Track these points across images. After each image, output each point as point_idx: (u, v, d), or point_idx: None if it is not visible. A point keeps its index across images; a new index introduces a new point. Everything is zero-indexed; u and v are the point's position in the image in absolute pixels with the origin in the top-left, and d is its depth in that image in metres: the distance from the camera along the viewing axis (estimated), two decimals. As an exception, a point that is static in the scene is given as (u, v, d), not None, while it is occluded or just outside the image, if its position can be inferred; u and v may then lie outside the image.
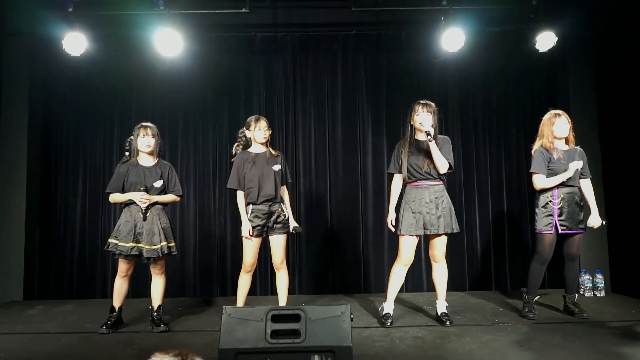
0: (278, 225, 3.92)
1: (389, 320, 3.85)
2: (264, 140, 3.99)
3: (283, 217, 3.95)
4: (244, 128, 4.04)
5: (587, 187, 4.00)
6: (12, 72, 5.34)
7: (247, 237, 3.87)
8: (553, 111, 4.00)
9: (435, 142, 3.79)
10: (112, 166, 5.58)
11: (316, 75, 5.67)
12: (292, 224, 4.02)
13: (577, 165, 3.82)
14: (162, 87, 5.52)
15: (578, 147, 4.00)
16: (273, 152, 4.04)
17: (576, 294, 4.13)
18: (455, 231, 3.88)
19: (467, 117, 5.69)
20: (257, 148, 4.01)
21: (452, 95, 5.67)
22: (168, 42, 4.81)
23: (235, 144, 4.09)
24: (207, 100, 5.64)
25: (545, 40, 4.95)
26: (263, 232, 3.92)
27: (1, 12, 5.31)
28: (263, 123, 3.97)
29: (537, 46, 5.01)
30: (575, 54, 5.46)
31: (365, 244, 5.51)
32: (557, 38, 4.95)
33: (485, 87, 5.69)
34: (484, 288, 5.44)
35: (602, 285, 4.91)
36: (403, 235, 3.85)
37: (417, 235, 3.85)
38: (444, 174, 3.88)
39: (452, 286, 5.28)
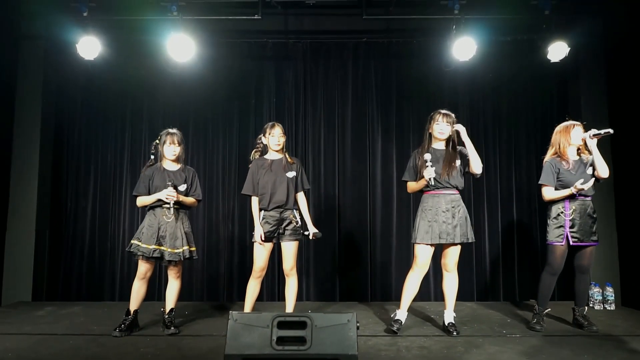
0: (289, 232, 3.92)
1: (397, 326, 3.81)
2: (278, 147, 4.00)
3: (295, 224, 3.95)
4: (261, 135, 4.07)
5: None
6: (27, 75, 5.41)
7: (259, 242, 3.88)
8: (571, 121, 4.01)
9: (453, 152, 3.86)
10: (122, 169, 5.64)
11: (326, 82, 5.69)
12: (312, 230, 4.01)
13: (580, 185, 3.73)
14: (173, 92, 5.56)
15: (591, 156, 3.91)
16: (289, 159, 4.04)
17: (586, 307, 4.08)
18: (470, 241, 3.88)
19: (478, 126, 5.66)
20: (272, 155, 4.03)
21: (463, 104, 5.65)
22: (180, 47, 4.85)
23: (254, 151, 4.13)
24: (217, 105, 5.67)
25: (558, 51, 4.93)
26: (273, 238, 3.93)
27: (17, 16, 5.39)
28: (277, 130, 3.98)
29: (549, 56, 4.99)
30: (587, 65, 5.42)
31: (373, 252, 5.49)
32: (569, 48, 4.93)
33: (496, 97, 5.67)
34: (492, 298, 5.39)
35: (612, 298, 4.85)
36: (419, 243, 3.83)
37: (432, 245, 3.83)
38: (462, 185, 3.90)
39: (460, 296, 5.21)
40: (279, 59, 5.69)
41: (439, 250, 3.99)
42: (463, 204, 3.89)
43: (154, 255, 3.78)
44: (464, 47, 4.90)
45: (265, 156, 4.04)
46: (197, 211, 5.55)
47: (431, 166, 3.74)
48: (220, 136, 5.68)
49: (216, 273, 5.50)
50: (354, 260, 5.50)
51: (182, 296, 5.20)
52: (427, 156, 3.76)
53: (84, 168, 5.66)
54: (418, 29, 5.45)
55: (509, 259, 5.50)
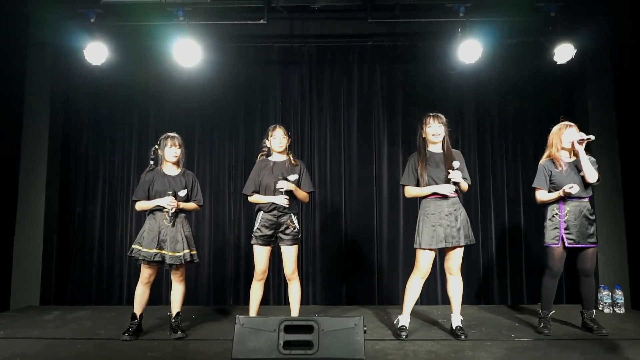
0: (287, 237, 3.92)
1: (405, 333, 3.80)
2: (281, 149, 4.00)
3: (292, 228, 3.94)
4: (265, 138, 4.08)
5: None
6: (35, 82, 5.46)
7: (256, 244, 3.88)
8: (565, 122, 3.97)
9: (450, 154, 3.84)
10: (130, 174, 5.66)
11: (332, 86, 5.70)
12: (283, 185, 3.82)
13: (567, 189, 3.71)
14: (180, 97, 5.60)
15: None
16: (293, 161, 4.04)
17: (594, 310, 4.04)
18: (473, 242, 3.88)
19: (484, 129, 5.65)
20: (276, 157, 4.04)
21: (469, 107, 5.65)
22: (186, 53, 4.88)
23: (259, 155, 4.13)
24: (223, 109, 5.69)
25: (564, 53, 4.91)
26: (270, 242, 3.94)
27: (25, 22, 5.44)
28: (279, 132, 3.99)
29: (555, 58, 4.97)
30: (594, 67, 5.39)
31: (380, 256, 5.48)
32: (575, 50, 4.90)
33: (502, 99, 5.65)
34: (500, 302, 5.36)
35: (622, 301, 4.80)
36: (423, 249, 3.81)
37: (434, 250, 3.82)
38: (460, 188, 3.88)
39: (467, 300, 5.21)
40: (284, 64, 5.71)
41: (440, 253, 3.96)
42: (462, 206, 3.88)
43: (155, 259, 3.79)
44: (469, 50, 4.89)
45: (270, 158, 4.05)
46: (204, 215, 5.57)
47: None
48: (226, 140, 5.70)
49: (223, 277, 5.51)
50: (361, 264, 5.49)
51: (188, 300, 5.23)
52: (456, 164, 3.76)
53: (91, 173, 5.69)
54: (423, 32, 5.46)
55: (516, 263, 5.47)
